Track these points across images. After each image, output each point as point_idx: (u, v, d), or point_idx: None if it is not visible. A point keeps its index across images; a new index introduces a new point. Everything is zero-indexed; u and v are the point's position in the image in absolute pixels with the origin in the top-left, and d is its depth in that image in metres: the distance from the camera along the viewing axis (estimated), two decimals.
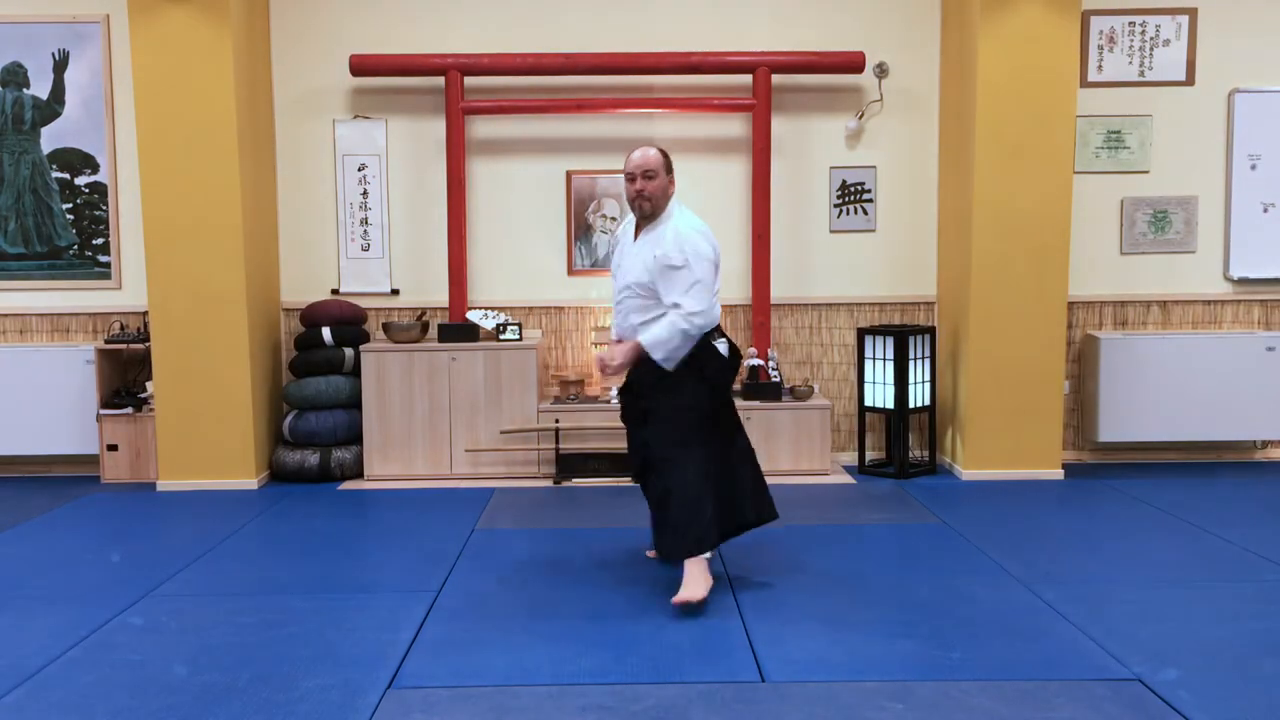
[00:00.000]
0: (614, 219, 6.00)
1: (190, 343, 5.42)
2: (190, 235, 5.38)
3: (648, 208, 3.78)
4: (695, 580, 3.61)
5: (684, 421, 3.76)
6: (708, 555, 3.70)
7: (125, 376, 5.93)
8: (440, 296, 5.99)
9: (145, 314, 5.75)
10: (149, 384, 5.65)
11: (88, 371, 5.73)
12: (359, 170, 5.98)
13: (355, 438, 5.75)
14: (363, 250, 6.02)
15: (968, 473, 5.58)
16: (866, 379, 5.76)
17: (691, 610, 3.57)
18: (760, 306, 5.87)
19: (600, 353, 3.78)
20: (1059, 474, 5.56)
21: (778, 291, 6.00)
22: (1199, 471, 5.76)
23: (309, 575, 4.06)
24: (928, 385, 5.75)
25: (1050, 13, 5.33)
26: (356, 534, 4.68)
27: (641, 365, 3.79)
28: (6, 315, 5.94)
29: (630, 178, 3.77)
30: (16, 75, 5.86)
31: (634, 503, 4.90)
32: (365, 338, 5.88)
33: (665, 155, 3.80)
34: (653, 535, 3.91)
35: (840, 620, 3.49)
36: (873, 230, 6.03)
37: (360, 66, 5.73)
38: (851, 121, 5.95)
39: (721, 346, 3.83)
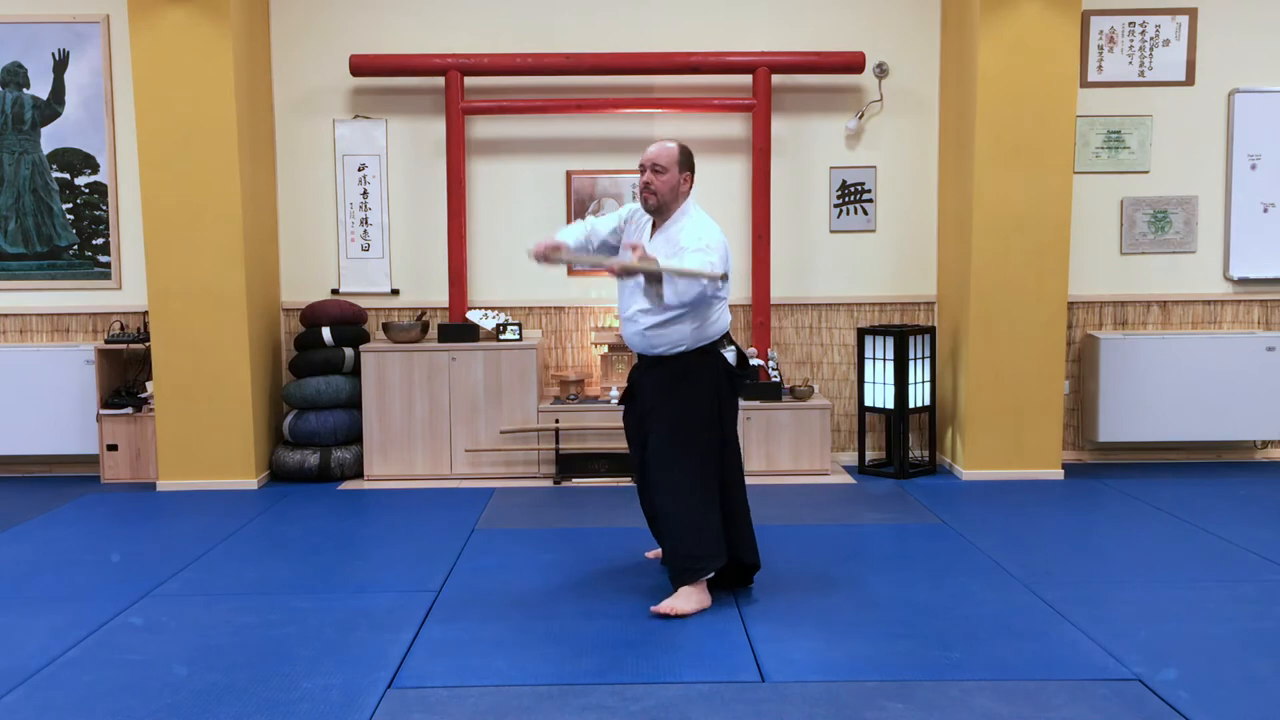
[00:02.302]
0: None
1: (190, 343, 5.42)
2: (190, 235, 5.38)
3: (653, 202, 3.63)
4: (685, 594, 3.57)
5: (683, 437, 3.61)
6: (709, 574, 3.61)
7: (125, 376, 5.93)
8: (440, 296, 5.99)
9: (145, 314, 5.75)
10: (149, 384, 5.65)
11: (88, 371, 5.73)
12: (359, 170, 5.98)
13: (355, 438, 5.75)
14: (363, 250, 6.02)
15: (968, 473, 5.58)
16: (866, 379, 5.76)
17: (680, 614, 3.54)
18: (760, 306, 5.87)
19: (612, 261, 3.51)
20: (1059, 474, 5.56)
21: (778, 291, 6.00)
22: (1199, 471, 5.76)
23: (309, 575, 4.06)
24: (928, 385, 5.75)
25: (1050, 13, 5.33)
26: (356, 534, 4.68)
27: (645, 370, 3.72)
28: (6, 315, 5.94)
29: (641, 168, 3.64)
30: (16, 75, 5.86)
31: (634, 503, 4.89)
32: (365, 338, 5.88)
33: (684, 152, 3.64)
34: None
35: (840, 620, 3.49)
36: (873, 230, 6.03)
37: (360, 66, 5.73)
38: (851, 121, 5.95)
39: (729, 355, 3.74)
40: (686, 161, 3.64)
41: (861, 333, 5.78)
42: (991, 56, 5.37)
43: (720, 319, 3.65)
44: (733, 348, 3.77)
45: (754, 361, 5.76)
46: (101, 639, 3.41)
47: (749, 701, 2.88)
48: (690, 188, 3.67)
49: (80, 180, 5.91)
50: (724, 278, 3.48)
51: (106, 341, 5.74)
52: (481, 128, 5.99)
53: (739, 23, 5.94)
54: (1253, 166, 5.91)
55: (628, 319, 3.69)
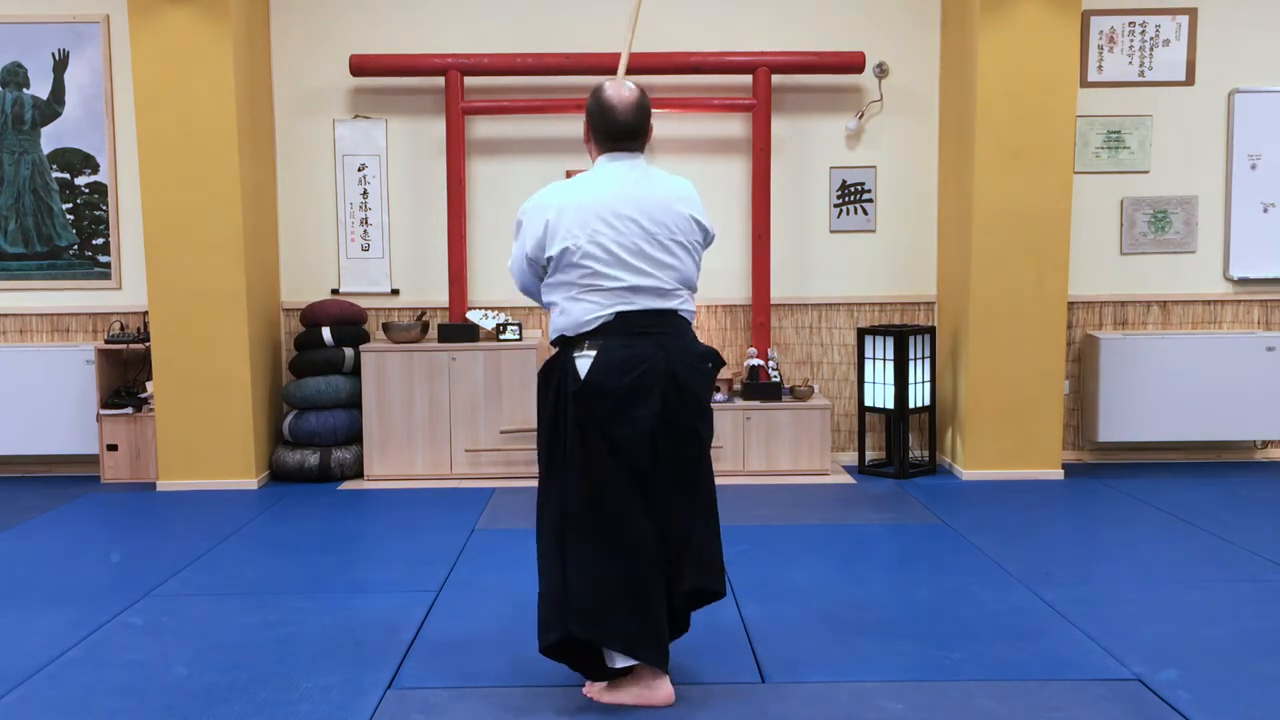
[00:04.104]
0: None
1: (190, 343, 5.42)
2: (190, 235, 5.38)
3: None
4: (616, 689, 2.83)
5: (542, 469, 2.89)
6: (622, 664, 2.80)
7: (125, 376, 5.93)
8: (440, 296, 6.00)
9: (145, 314, 5.75)
10: (149, 384, 5.65)
11: (88, 371, 5.73)
12: (359, 170, 5.98)
13: (355, 438, 5.75)
14: (363, 250, 6.02)
15: (968, 473, 5.58)
16: (866, 379, 5.76)
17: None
18: (760, 306, 5.87)
19: None
20: (1059, 474, 5.55)
21: (778, 291, 6.00)
22: (1199, 471, 5.76)
23: (309, 575, 4.06)
24: (928, 385, 5.75)
25: (1050, 13, 5.33)
26: (356, 534, 4.68)
27: None
28: (6, 315, 5.94)
29: None
30: (16, 75, 5.86)
31: None
32: (365, 338, 5.88)
33: (590, 102, 2.89)
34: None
35: (840, 620, 3.49)
36: (873, 230, 6.03)
37: (360, 66, 5.73)
38: (851, 121, 5.95)
39: (582, 364, 2.77)
40: (587, 113, 2.91)
41: (861, 333, 5.78)
42: (991, 56, 5.37)
43: (570, 308, 2.81)
44: (589, 355, 2.76)
45: (755, 362, 5.77)
46: (101, 639, 3.41)
47: (749, 701, 2.88)
48: (589, 140, 2.93)
49: (80, 180, 5.91)
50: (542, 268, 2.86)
51: (106, 341, 5.74)
52: (481, 128, 5.99)
53: (739, 23, 5.94)
54: (1253, 166, 5.91)
55: None
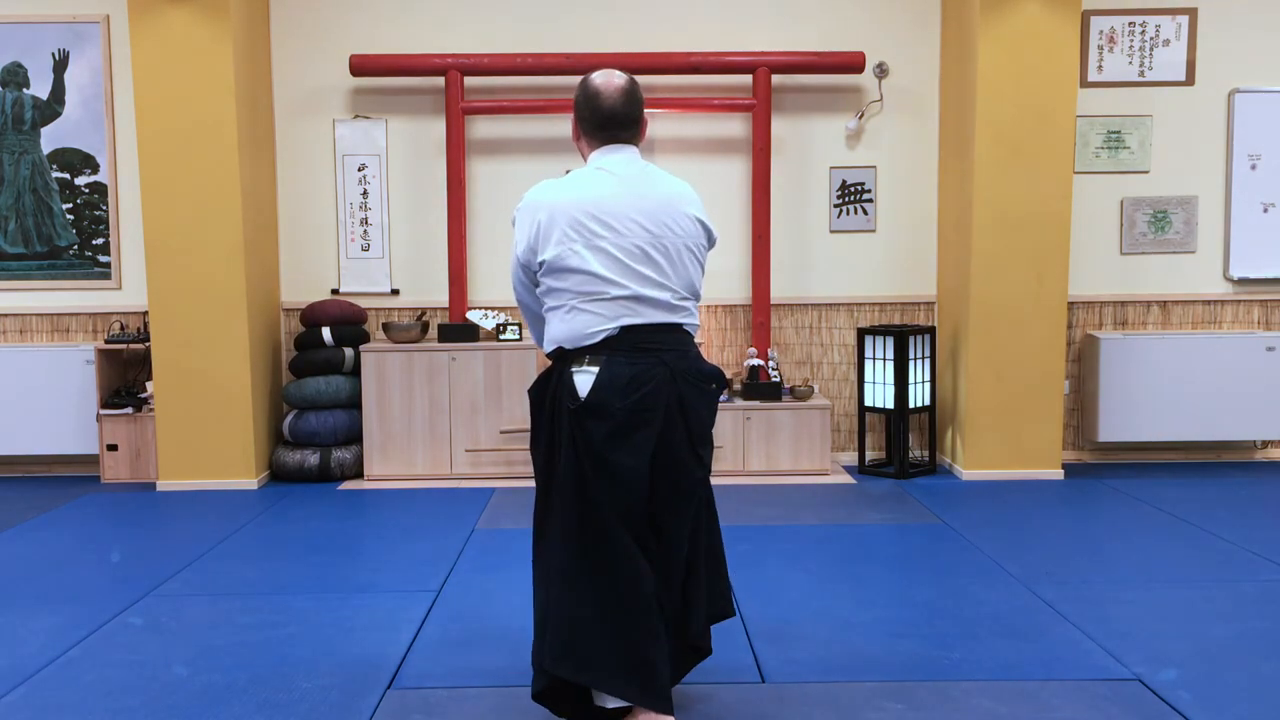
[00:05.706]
0: None
1: (190, 343, 5.42)
2: (190, 235, 5.38)
3: None
4: None
5: (539, 492, 2.70)
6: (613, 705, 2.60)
7: (125, 376, 5.93)
8: (440, 296, 6.00)
9: (145, 314, 5.75)
10: (149, 384, 5.65)
11: (88, 371, 5.73)
12: (359, 170, 5.98)
13: (355, 438, 5.75)
14: (363, 250, 6.02)
15: (968, 473, 5.58)
16: (866, 379, 5.76)
17: None
18: (760, 306, 5.87)
19: None
20: (1059, 474, 5.55)
21: (778, 291, 6.00)
22: (1199, 471, 5.76)
23: (309, 575, 4.06)
24: (928, 385, 5.75)
25: (1050, 13, 5.33)
26: (356, 534, 4.68)
27: None
28: (6, 315, 5.94)
29: None
30: (16, 75, 5.86)
31: None
32: (365, 338, 5.88)
33: (577, 94, 2.70)
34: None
35: (840, 620, 3.49)
36: (873, 230, 6.03)
37: (360, 66, 5.73)
38: (851, 121, 5.95)
39: (582, 380, 2.54)
40: (573, 109, 2.72)
41: (861, 333, 5.78)
42: (991, 56, 5.37)
43: (571, 319, 2.58)
44: (590, 371, 2.54)
45: (755, 362, 5.77)
46: (101, 639, 3.41)
47: (749, 702, 2.88)
48: (579, 138, 2.74)
49: (80, 180, 5.91)
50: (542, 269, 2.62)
51: (106, 341, 5.74)
52: (481, 128, 5.99)
53: (739, 23, 5.94)
54: (1253, 166, 5.91)
55: None
